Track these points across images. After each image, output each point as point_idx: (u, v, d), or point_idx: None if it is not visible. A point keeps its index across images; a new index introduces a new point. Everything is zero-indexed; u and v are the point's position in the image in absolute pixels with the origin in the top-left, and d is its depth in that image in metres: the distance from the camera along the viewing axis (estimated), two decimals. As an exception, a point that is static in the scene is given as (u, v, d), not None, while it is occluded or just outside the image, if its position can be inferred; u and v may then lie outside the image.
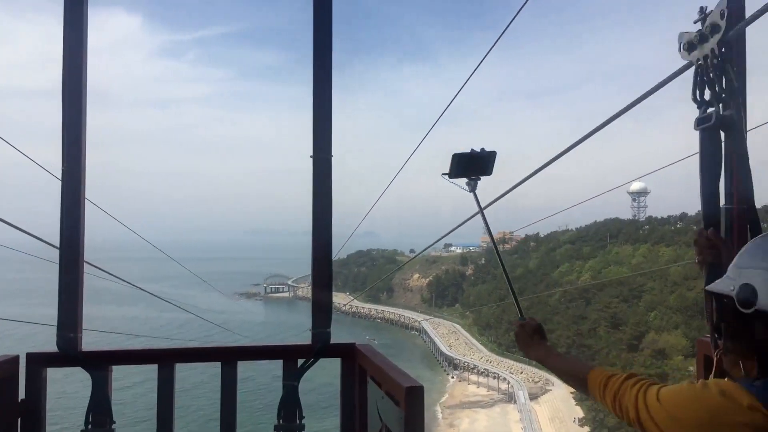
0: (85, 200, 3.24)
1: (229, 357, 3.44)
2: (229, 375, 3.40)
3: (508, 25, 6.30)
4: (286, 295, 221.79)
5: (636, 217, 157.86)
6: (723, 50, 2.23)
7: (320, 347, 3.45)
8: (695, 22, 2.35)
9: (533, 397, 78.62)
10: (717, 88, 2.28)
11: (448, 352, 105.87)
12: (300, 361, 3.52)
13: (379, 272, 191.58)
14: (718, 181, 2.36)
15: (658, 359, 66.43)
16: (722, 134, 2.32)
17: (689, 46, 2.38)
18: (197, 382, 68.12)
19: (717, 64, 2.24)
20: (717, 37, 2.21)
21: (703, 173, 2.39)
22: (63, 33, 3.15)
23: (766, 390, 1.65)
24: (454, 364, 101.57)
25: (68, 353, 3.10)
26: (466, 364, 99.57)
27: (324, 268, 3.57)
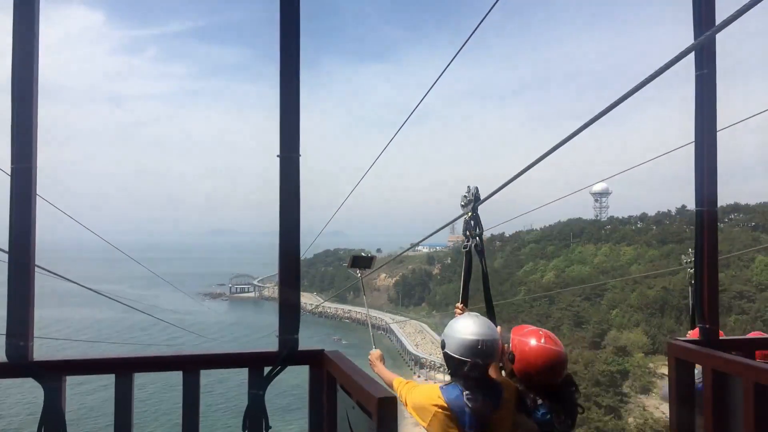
0: (37, 199, 3.06)
1: (191, 366, 3.31)
2: (191, 384, 3.27)
3: (475, 30, 6.28)
4: (251, 295, 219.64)
5: (598, 217, 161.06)
6: (476, 214, 4.44)
7: (287, 354, 3.34)
8: (465, 195, 4.43)
9: (499, 395, 79.44)
10: (474, 230, 4.54)
11: (414, 351, 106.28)
12: (266, 369, 3.41)
13: (345, 272, 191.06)
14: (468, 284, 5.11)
15: (620, 356, 67.72)
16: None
17: (464, 204, 4.46)
18: (157, 389, 66.71)
19: (474, 217, 4.46)
20: (472, 206, 4.41)
21: (465, 279, 5.09)
22: (12, 26, 2.97)
23: (446, 391, 3.33)
24: (420, 363, 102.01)
25: (18, 363, 2.92)
26: (432, 362, 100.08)
27: (291, 270, 3.48)
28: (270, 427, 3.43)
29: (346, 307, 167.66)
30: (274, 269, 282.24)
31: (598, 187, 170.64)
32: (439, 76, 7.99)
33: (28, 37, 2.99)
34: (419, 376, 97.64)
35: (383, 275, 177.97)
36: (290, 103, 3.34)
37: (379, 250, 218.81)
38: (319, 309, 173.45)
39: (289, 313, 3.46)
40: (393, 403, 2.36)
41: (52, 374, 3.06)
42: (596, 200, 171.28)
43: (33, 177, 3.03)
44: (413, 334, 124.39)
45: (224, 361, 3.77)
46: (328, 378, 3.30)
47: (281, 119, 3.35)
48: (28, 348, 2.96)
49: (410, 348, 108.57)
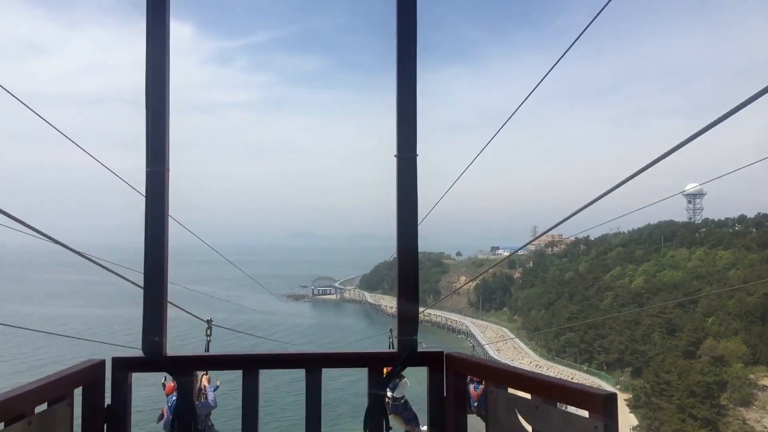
0: (169, 206, 3.27)
1: (313, 364, 3.40)
2: (313, 382, 3.36)
3: (582, 32, 6.10)
4: (333, 297, 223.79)
5: (692, 220, 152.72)
6: None
7: (407, 355, 3.31)
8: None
9: (584, 403, 76.72)
10: None
11: (496, 357, 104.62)
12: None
13: (425, 275, 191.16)
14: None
15: (717, 366, 63.85)
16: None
17: None
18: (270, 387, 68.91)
19: None
20: None
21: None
22: (146, 44, 3.22)
23: None
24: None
25: (154, 358, 3.15)
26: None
27: (410, 274, 3.47)
28: (390, 428, 3.43)
29: (426, 310, 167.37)
30: (355, 272, 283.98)
31: (692, 188, 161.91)
32: (542, 79, 7.76)
33: (160, 53, 3.25)
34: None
35: (463, 278, 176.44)
36: (407, 102, 3.39)
37: (459, 254, 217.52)
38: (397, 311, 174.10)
39: (408, 315, 3.41)
40: (615, 399, 2.33)
41: (185, 369, 3.30)
42: (689, 202, 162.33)
43: (166, 180, 3.25)
44: (494, 339, 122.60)
45: (345, 360, 3.76)
46: (456, 378, 3.29)
47: (398, 119, 3.39)
48: (162, 344, 3.17)
49: (492, 353, 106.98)
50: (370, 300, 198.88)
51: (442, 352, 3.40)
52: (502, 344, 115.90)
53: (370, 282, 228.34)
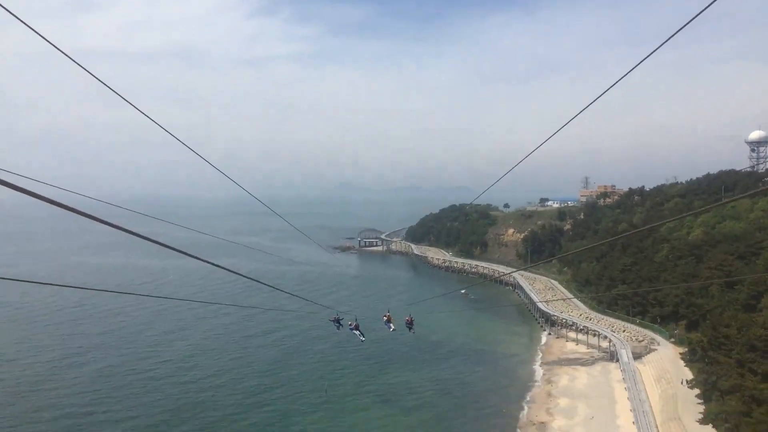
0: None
1: None
2: None
3: None
4: (379, 248, 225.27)
5: (755, 168, 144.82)
6: None
7: None
8: None
9: (637, 356, 74.88)
10: None
11: (544, 309, 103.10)
12: None
13: (472, 227, 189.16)
14: None
15: (780, 321, 60.58)
16: None
17: None
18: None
19: None
20: None
21: None
22: None
23: None
24: (551, 321, 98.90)
25: None
26: (564, 320, 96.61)
27: None
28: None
29: (473, 262, 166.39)
30: (401, 224, 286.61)
31: (756, 135, 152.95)
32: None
33: None
34: (550, 333, 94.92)
35: (511, 230, 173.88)
36: None
37: (506, 205, 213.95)
38: (446, 263, 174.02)
39: None
40: None
41: None
42: (753, 150, 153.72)
43: None
44: (543, 291, 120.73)
45: None
46: None
47: None
48: None
49: (540, 305, 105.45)
50: (416, 252, 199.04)
51: None
52: (551, 296, 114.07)
53: (416, 234, 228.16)
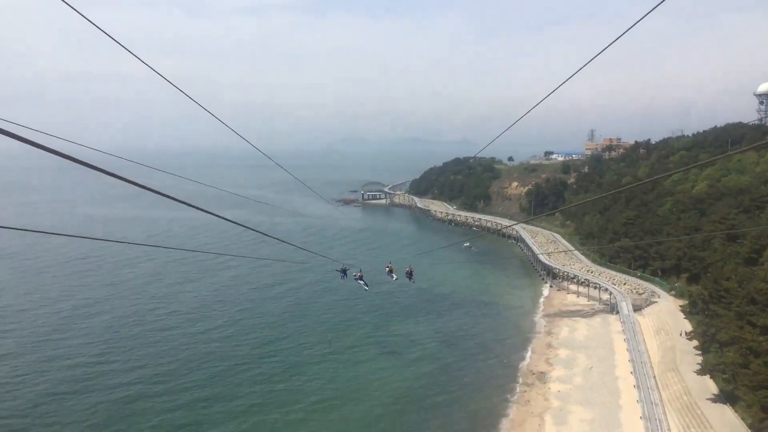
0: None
1: None
2: None
3: None
4: (383, 201, 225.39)
5: (763, 121, 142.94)
6: None
7: None
8: None
9: (637, 308, 75.84)
10: None
11: (546, 261, 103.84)
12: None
13: (475, 180, 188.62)
14: None
15: (781, 274, 60.95)
16: None
17: None
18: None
19: None
20: None
21: None
22: None
23: None
24: (552, 274, 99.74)
25: None
26: (565, 273, 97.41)
27: None
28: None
29: (476, 215, 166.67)
30: (404, 177, 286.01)
31: (765, 88, 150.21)
32: None
33: None
34: (552, 286, 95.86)
35: (515, 184, 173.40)
36: None
37: (510, 159, 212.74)
38: (449, 217, 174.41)
39: None
40: None
41: None
42: (761, 102, 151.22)
43: None
44: (545, 244, 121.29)
45: None
46: None
47: None
48: None
49: (542, 258, 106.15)
50: (419, 205, 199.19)
51: None
52: (553, 248, 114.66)
53: (420, 187, 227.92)
